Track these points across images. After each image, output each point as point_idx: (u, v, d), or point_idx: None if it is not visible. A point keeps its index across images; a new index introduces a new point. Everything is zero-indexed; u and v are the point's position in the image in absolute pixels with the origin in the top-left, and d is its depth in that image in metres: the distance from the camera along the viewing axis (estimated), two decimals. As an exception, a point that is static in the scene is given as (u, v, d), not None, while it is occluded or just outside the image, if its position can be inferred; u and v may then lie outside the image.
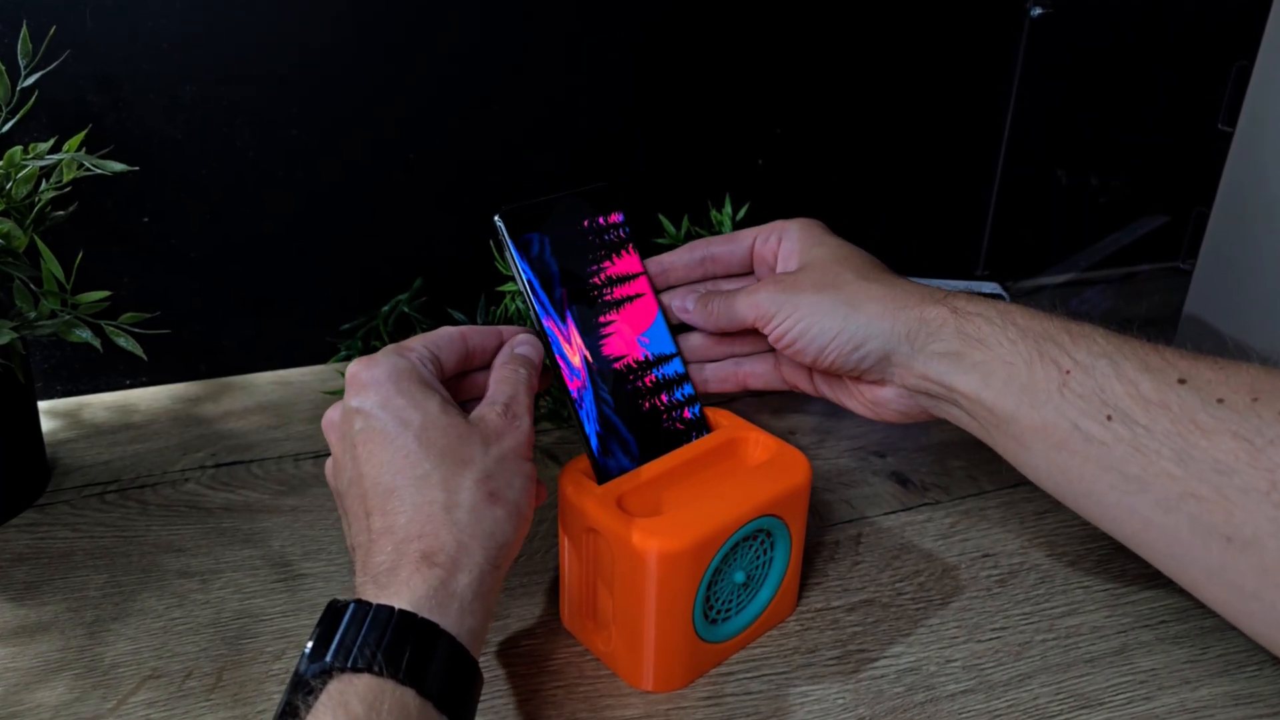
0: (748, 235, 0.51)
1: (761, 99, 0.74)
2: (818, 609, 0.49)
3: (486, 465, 0.37)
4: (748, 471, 0.45)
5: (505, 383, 0.42)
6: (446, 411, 0.38)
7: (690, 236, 0.73)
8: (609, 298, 0.47)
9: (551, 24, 0.67)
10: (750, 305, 0.46)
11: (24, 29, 0.53)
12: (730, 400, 0.68)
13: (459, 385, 0.44)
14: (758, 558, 0.45)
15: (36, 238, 0.48)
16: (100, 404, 0.66)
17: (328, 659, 0.32)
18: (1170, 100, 0.77)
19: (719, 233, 0.72)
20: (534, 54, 0.67)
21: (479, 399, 0.42)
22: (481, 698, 0.43)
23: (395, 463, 0.37)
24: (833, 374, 0.47)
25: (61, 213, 0.53)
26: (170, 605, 0.48)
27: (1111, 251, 0.81)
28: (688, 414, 0.48)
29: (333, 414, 0.41)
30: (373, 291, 0.70)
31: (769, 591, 0.46)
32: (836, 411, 0.67)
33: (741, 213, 0.72)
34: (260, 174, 0.65)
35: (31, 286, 0.48)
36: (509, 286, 0.65)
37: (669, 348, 0.49)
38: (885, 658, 0.46)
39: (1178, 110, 0.77)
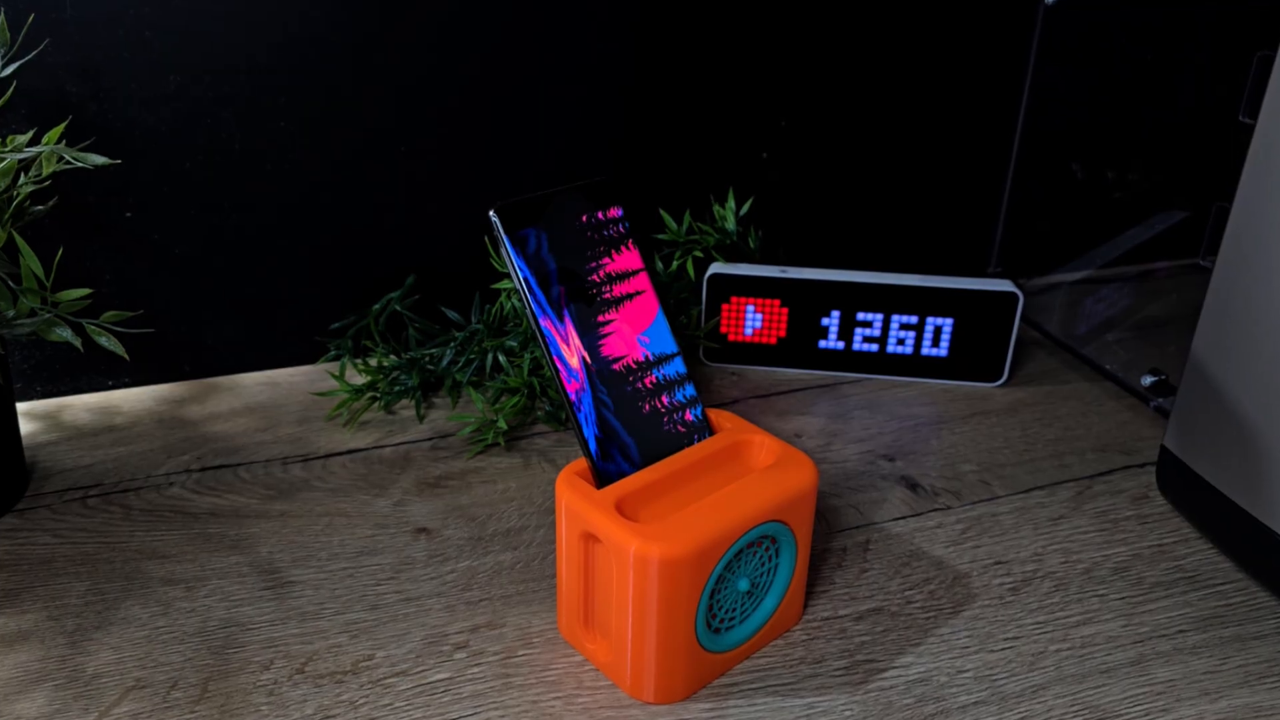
0: None
1: (765, 90, 0.73)
2: (824, 618, 0.48)
3: None
4: (752, 476, 0.44)
5: None
6: None
7: (692, 232, 0.72)
8: (608, 295, 0.46)
9: (549, 15, 0.66)
10: None
11: (0, 16, 0.52)
12: (734, 402, 0.67)
13: None
14: (762, 565, 0.44)
15: (15, 233, 0.47)
16: (81, 405, 0.65)
17: None
18: (1189, 91, 0.77)
19: (722, 229, 0.71)
20: (531, 46, 0.66)
21: None
22: (477, 710, 0.42)
23: None
24: None
25: (41, 207, 0.52)
26: (154, 613, 0.47)
27: (1128, 248, 0.81)
28: (689, 416, 0.47)
29: None
30: (364, 289, 0.69)
31: (774, 600, 0.45)
32: (843, 414, 0.66)
33: (745, 208, 0.71)
34: (247, 167, 0.64)
35: (10, 284, 0.47)
36: (504, 284, 0.64)
37: (670, 347, 0.47)
38: (894, 668, 0.45)
39: (1197, 102, 0.76)
